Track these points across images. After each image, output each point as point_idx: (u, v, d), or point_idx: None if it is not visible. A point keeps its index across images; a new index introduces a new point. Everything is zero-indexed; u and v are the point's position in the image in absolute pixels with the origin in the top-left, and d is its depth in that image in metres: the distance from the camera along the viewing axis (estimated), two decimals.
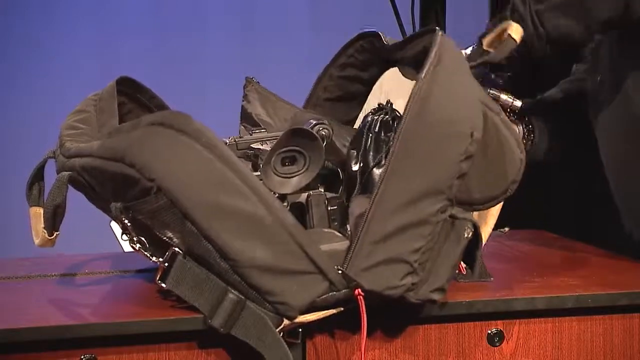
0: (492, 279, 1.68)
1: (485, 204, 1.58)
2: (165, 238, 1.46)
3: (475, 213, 1.62)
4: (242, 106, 1.83)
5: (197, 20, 3.73)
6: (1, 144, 3.66)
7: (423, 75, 1.50)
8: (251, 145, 1.66)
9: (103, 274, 1.74)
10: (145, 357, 1.49)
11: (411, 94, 1.50)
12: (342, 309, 1.49)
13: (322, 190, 1.62)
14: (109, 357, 1.47)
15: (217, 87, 3.52)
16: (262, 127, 1.76)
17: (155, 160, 1.44)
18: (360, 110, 1.84)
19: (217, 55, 3.70)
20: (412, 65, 1.74)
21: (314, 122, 1.63)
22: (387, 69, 1.80)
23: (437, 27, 1.58)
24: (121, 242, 1.88)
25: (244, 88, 1.84)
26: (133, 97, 1.75)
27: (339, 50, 1.82)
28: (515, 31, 1.75)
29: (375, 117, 1.64)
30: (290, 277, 1.45)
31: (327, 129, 1.62)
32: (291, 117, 1.81)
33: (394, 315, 1.55)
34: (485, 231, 1.66)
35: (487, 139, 1.54)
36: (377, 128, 1.63)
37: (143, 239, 1.49)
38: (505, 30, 1.78)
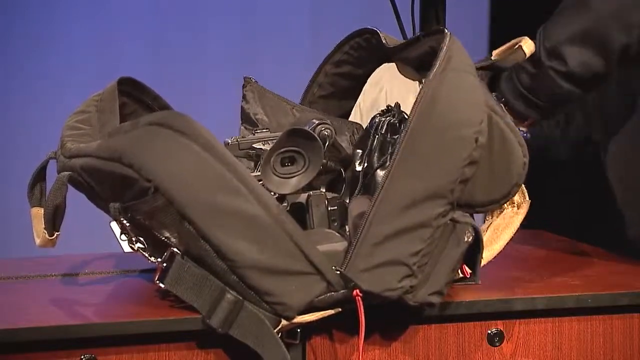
0: (479, 282, 1.67)
1: (486, 207, 1.58)
2: (163, 238, 1.46)
3: (492, 227, 1.63)
4: (242, 107, 1.83)
5: (197, 20, 3.72)
6: (1, 144, 3.66)
7: (431, 76, 1.50)
8: (253, 145, 1.66)
9: (103, 274, 1.74)
10: (145, 357, 1.49)
11: (418, 95, 1.50)
12: (340, 309, 1.49)
13: (323, 191, 1.62)
14: (109, 357, 1.47)
15: (217, 87, 3.51)
16: (264, 127, 1.76)
17: (153, 161, 1.44)
18: (352, 106, 1.84)
19: (217, 55, 3.69)
20: (416, 65, 1.74)
21: (316, 122, 1.63)
22: (381, 64, 1.80)
23: (445, 29, 1.58)
24: (121, 242, 1.88)
25: (242, 88, 1.84)
26: (136, 97, 1.75)
27: (334, 47, 1.83)
28: (528, 45, 1.74)
29: (383, 119, 1.64)
30: (288, 277, 1.45)
31: (329, 129, 1.62)
32: (296, 117, 1.81)
33: (393, 315, 1.54)
34: (498, 244, 1.67)
35: (491, 142, 1.54)
36: (383, 129, 1.63)
37: (142, 239, 1.50)
38: (517, 43, 1.77)
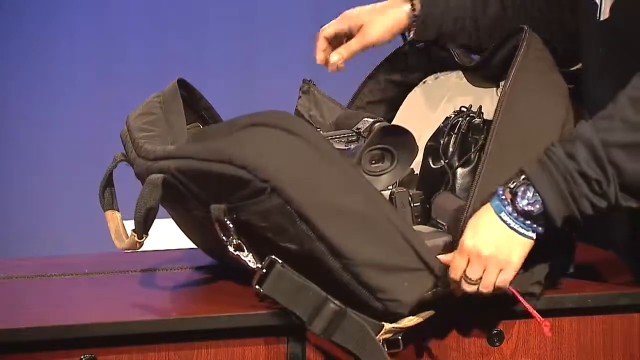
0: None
1: None
2: (275, 238, 1.46)
3: None
4: (297, 107, 1.85)
5: (197, 20, 3.73)
6: (1, 144, 3.66)
7: (508, 83, 1.54)
8: None
9: (103, 274, 1.74)
10: (145, 357, 1.49)
11: (499, 100, 1.54)
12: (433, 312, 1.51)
13: (405, 188, 1.63)
14: (109, 357, 1.47)
15: (217, 87, 3.51)
16: (317, 125, 1.77)
17: (266, 161, 1.45)
18: (394, 115, 1.85)
19: (217, 55, 3.70)
20: (502, 70, 1.69)
21: (371, 121, 1.64)
22: (432, 73, 1.82)
23: (525, 26, 1.60)
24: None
25: (300, 89, 1.85)
26: (188, 103, 1.74)
27: (390, 54, 1.84)
28: None
29: (460, 120, 1.65)
30: (400, 273, 1.47)
31: (385, 125, 1.64)
32: (337, 116, 1.81)
33: None
34: None
35: None
36: (463, 129, 1.64)
37: (242, 241, 1.49)
38: None
